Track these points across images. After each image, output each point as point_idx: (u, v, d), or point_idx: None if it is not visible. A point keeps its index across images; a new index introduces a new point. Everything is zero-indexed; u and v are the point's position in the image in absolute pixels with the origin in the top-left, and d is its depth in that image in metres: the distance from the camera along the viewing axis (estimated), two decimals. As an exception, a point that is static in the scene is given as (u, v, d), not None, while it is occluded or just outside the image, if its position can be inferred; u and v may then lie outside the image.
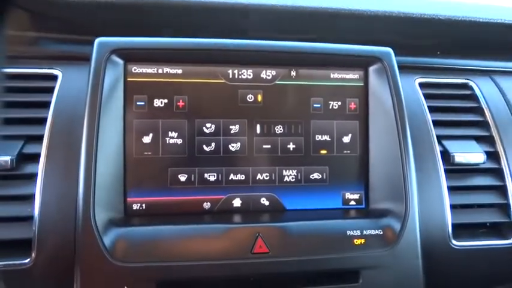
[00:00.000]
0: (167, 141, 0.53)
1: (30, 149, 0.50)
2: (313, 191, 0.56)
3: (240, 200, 0.54)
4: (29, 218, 0.47)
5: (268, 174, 0.55)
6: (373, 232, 0.51)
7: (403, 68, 0.59)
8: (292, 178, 0.55)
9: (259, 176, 0.55)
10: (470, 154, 0.58)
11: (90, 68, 0.50)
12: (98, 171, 0.48)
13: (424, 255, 0.51)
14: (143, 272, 0.45)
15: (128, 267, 0.45)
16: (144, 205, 0.52)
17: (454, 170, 0.58)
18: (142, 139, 0.52)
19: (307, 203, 0.56)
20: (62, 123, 0.52)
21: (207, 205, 0.54)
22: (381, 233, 0.51)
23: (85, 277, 0.45)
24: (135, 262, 0.45)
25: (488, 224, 0.58)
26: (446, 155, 0.58)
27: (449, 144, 0.59)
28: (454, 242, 0.55)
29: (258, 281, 0.48)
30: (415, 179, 0.53)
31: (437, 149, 0.58)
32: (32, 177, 0.49)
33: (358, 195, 0.56)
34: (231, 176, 0.54)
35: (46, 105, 0.53)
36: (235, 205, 0.54)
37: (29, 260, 0.46)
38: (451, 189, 0.56)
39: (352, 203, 0.56)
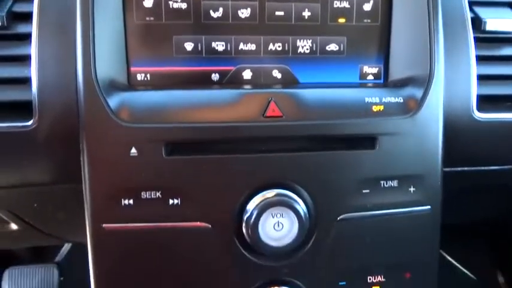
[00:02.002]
0: (170, 6, 0.48)
1: (21, 7, 0.46)
2: (329, 64, 0.52)
3: (251, 71, 0.51)
4: (27, 80, 0.45)
5: (280, 45, 0.51)
6: (393, 100, 0.48)
7: None
8: (307, 49, 0.51)
9: (271, 46, 0.50)
10: (503, 21, 0.53)
11: None
12: (97, 32, 0.44)
13: (445, 126, 0.49)
14: (151, 132, 0.43)
15: (135, 128, 0.43)
16: (148, 75, 0.49)
17: (485, 38, 0.53)
18: (143, 2, 0.48)
19: (322, 77, 0.52)
20: (54, -19, 0.47)
21: (215, 76, 0.50)
22: (402, 100, 0.48)
23: (91, 139, 0.43)
24: (142, 123, 0.44)
25: (515, 98, 0.54)
26: (477, 22, 0.53)
27: (481, 11, 0.53)
28: (477, 113, 0.52)
29: (269, 149, 0.46)
30: (442, 43, 0.48)
31: (468, 15, 0.53)
32: (26, 37, 0.45)
33: (377, 68, 0.53)
34: (241, 46, 0.50)
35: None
36: (245, 77, 0.51)
37: (31, 122, 0.45)
38: (479, 58, 0.52)
39: (370, 77, 0.53)
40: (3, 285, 0.97)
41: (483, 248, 1.24)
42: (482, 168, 0.56)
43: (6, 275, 0.97)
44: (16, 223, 0.59)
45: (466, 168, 0.56)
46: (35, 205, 0.52)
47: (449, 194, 0.51)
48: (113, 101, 0.44)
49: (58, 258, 1.09)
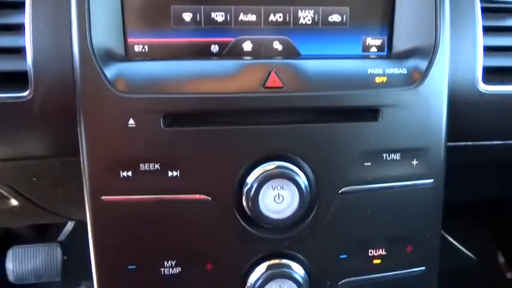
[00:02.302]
0: None
1: None
2: (331, 35, 0.50)
3: (251, 43, 0.49)
4: (22, 50, 0.44)
5: (281, 15, 0.49)
6: (396, 71, 0.47)
7: None
8: (309, 20, 0.50)
9: (271, 17, 0.49)
10: (512, -10, 0.51)
11: None
12: (92, 1, 0.43)
13: (449, 98, 0.48)
14: (149, 103, 0.43)
15: (132, 99, 0.42)
16: (146, 47, 0.48)
17: (492, 8, 0.51)
18: (140, -29, 0.46)
19: (324, 49, 0.51)
20: None
21: (214, 48, 0.49)
22: (405, 72, 0.47)
23: (87, 110, 0.42)
24: (139, 93, 0.43)
25: (522, 70, 0.53)
26: (484, -9, 0.51)
27: (489, -21, 0.52)
28: (482, 86, 0.51)
29: (270, 121, 0.45)
30: (448, 13, 0.47)
31: (475, -16, 0.51)
32: (21, 5, 0.44)
33: (380, 40, 0.51)
34: (241, 17, 0.49)
35: None
36: (245, 49, 0.49)
37: (27, 92, 0.44)
38: (486, 29, 0.51)
39: (373, 49, 0.51)
40: (7, 263, 0.98)
41: (484, 229, 1.25)
42: (486, 143, 0.55)
43: (10, 253, 0.98)
44: (16, 198, 0.59)
45: (470, 143, 0.55)
46: (34, 179, 0.52)
47: (452, 170, 0.50)
48: (110, 71, 0.43)
49: (61, 237, 1.10)
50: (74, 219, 0.77)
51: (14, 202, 0.61)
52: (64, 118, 0.44)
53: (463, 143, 0.54)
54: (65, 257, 1.01)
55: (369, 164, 0.46)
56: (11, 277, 0.97)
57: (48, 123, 0.45)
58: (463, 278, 1.21)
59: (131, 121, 0.42)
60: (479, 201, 1.12)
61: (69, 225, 1.13)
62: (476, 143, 0.55)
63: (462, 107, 0.51)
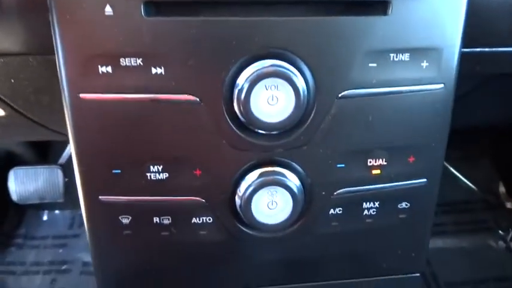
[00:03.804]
0: None
1: None
2: None
3: None
4: None
5: None
6: None
7: None
8: None
9: None
10: None
11: None
12: None
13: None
14: None
15: None
16: None
17: None
18: None
19: None
20: None
21: None
22: None
23: None
24: None
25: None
26: None
27: None
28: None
29: (265, 12, 0.40)
30: None
31: None
32: None
33: None
34: None
35: None
36: None
37: None
38: None
39: None
40: (10, 184, 0.99)
41: (485, 159, 1.23)
42: (506, 49, 0.50)
43: (11, 174, 0.98)
44: (-1, 106, 0.56)
45: (486, 49, 0.50)
46: (12, 80, 0.49)
47: (461, 88, 0.46)
48: None
49: (61, 161, 1.10)
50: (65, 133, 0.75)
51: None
52: (34, 6, 0.39)
53: (478, 49, 0.49)
54: (67, 179, 1.02)
55: (374, 65, 0.42)
56: (14, 197, 0.98)
57: (18, 11, 0.41)
58: (463, 208, 1.21)
59: (108, 8, 0.38)
60: (482, 130, 1.09)
61: (69, 148, 1.12)
62: (493, 49, 0.50)
63: (483, 3, 0.45)
